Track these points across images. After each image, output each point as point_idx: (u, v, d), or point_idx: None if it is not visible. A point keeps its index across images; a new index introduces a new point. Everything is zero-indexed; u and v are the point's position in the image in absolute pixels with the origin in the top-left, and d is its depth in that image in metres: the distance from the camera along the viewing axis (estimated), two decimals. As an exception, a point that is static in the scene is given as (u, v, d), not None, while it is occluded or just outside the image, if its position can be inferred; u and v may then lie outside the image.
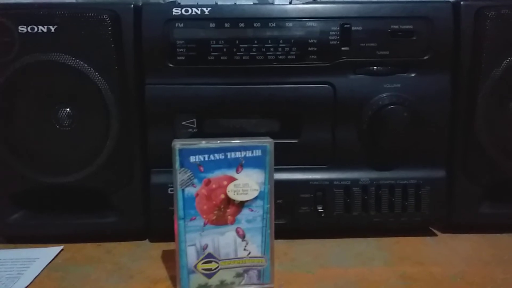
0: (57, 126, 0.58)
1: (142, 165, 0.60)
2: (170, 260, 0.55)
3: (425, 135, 0.60)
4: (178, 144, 0.46)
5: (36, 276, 0.52)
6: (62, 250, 0.59)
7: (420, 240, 0.61)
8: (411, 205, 0.60)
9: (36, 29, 0.56)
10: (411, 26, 0.58)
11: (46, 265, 0.55)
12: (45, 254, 0.57)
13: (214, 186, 0.47)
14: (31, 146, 0.58)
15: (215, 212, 0.47)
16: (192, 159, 0.46)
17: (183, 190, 0.47)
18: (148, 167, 0.61)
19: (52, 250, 0.58)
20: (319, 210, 0.60)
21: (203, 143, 0.46)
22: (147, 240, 0.62)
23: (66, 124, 0.58)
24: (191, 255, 0.48)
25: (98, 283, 0.51)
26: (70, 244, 0.60)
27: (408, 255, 0.57)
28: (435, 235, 0.63)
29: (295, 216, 0.60)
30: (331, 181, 0.61)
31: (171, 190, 0.58)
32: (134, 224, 0.61)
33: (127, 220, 0.61)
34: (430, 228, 0.64)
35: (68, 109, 0.58)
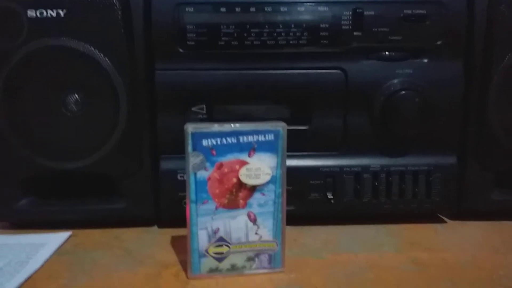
0: (66, 112, 0.58)
1: (151, 151, 0.60)
2: (180, 245, 0.55)
3: (437, 121, 0.59)
4: (190, 128, 0.46)
5: (45, 261, 0.52)
6: (70, 235, 0.59)
7: (430, 227, 0.61)
8: (422, 192, 0.60)
9: (45, 14, 0.55)
10: (424, 11, 0.57)
11: (55, 250, 0.54)
12: (54, 239, 0.57)
13: (226, 170, 0.47)
14: (39, 131, 0.58)
15: (227, 196, 0.47)
16: (205, 142, 0.46)
17: (195, 174, 0.46)
18: (158, 153, 0.60)
19: (61, 236, 0.58)
20: (329, 197, 0.60)
21: (216, 127, 0.46)
22: (155, 226, 0.62)
23: (75, 110, 0.58)
24: (202, 239, 0.47)
25: (108, 268, 0.51)
26: (78, 230, 0.60)
27: (418, 241, 0.57)
28: (445, 222, 0.63)
29: (305, 202, 0.60)
30: (341, 167, 0.60)
31: (181, 176, 0.59)
32: (143, 210, 0.61)
33: (136, 206, 0.61)
34: (440, 215, 0.64)
35: (77, 95, 0.58)
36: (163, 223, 0.62)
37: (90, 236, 0.59)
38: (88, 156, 0.58)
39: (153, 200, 0.61)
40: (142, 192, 0.60)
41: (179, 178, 0.59)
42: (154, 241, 0.58)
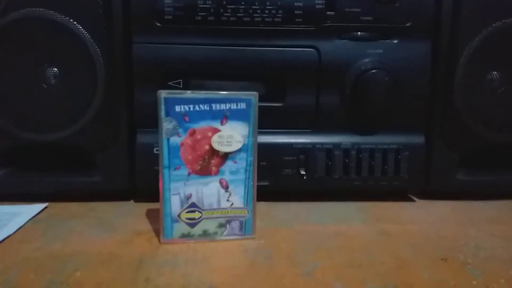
0: (44, 84, 0.58)
1: (127, 124, 0.61)
2: (154, 216, 0.56)
3: (406, 101, 0.61)
4: (163, 93, 0.47)
5: (20, 227, 0.53)
6: (46, 207, 0.59)
7: (399, 205, 0.63)
8: (391, 169, 0.62)
9: (23, -15, 0.56)
10: (394, -7, 0.59)
11: (30, 219, 0.55)
12: (30, 209, 0.58)
13: (199, 136, 0.48)
14: (17, 103, 0.58)
15: (200, 162, 0.48)
16: (177, 108, 0.47)
17: (168, 139, 0.47)
18: (134, 127, 0.61)
19: (36, 207, 0.59)
20: (302, 173, 0.62)
21: (189, 93, 0.47)
22: (132, 200, 0.63)
23: (53, 82, 0.59)
24: (175, 204, 0.48)
25: (82, 234, 0.52)
26: (54, 202, 0.60)
27: (386, 216, 0.59)
28: (413, 200, 0.65)
29: (278, 178, 0.62)
30: (313, 144, 0.62)
31: (157, 150, 0.59)
32: (119, 184, 0.62)
33: (112, 179, 0.62)
34: (409, 195, 0.67)
35: (55, 67, 0.58)
36: (139, 198, 0.63)
37: (67, 208, 0.60)
38: (66, 128, 0.59)
39: (129, 174, 0.62)
40: (118, 165, 0.61)
41: (155, 151, 0.60)
42: (129, 212, 0.59)
